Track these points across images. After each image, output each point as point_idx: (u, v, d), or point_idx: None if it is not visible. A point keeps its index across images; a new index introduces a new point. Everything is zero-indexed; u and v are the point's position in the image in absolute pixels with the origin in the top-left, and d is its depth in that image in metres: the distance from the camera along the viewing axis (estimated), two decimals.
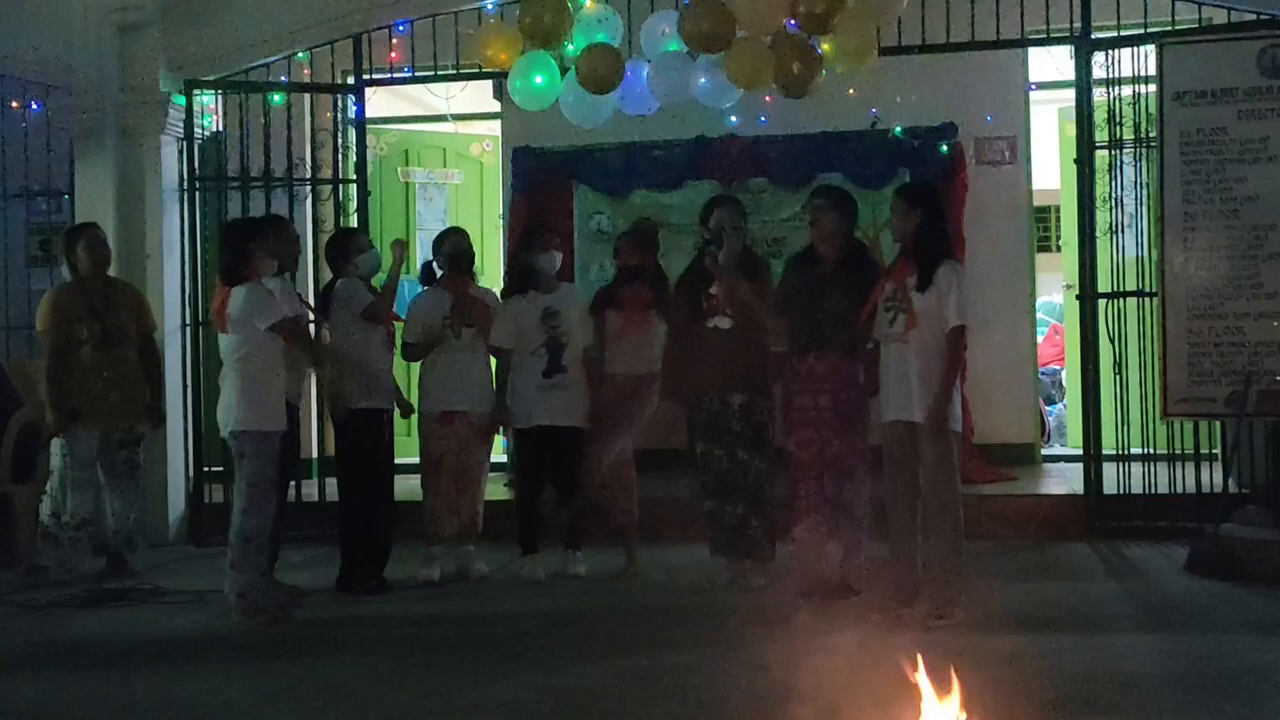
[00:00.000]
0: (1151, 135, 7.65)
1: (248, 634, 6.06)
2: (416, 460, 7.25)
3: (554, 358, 7.06)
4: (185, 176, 8.58)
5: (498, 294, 7.39)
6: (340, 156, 8.87)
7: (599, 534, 7.28)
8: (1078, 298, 8.20)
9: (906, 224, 5.93)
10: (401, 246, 6.99)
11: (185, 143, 8.57)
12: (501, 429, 7.41)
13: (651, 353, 6.99)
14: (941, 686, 3.32)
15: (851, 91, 7.98)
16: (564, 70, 7.27)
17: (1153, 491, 7.73)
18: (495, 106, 9.80)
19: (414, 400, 7.29)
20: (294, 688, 5.21)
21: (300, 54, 8.68)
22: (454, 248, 7.24)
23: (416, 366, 7.35)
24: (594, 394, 7.06)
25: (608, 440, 6.99)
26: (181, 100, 8.51)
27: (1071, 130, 8.39)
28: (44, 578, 7.22)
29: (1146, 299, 7.74)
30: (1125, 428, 7.87)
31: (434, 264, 7.30)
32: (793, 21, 6.94)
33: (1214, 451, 7.77)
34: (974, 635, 5.46)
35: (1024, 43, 8.35)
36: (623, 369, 7.03)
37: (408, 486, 7.39)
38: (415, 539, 7.12)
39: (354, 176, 8.87)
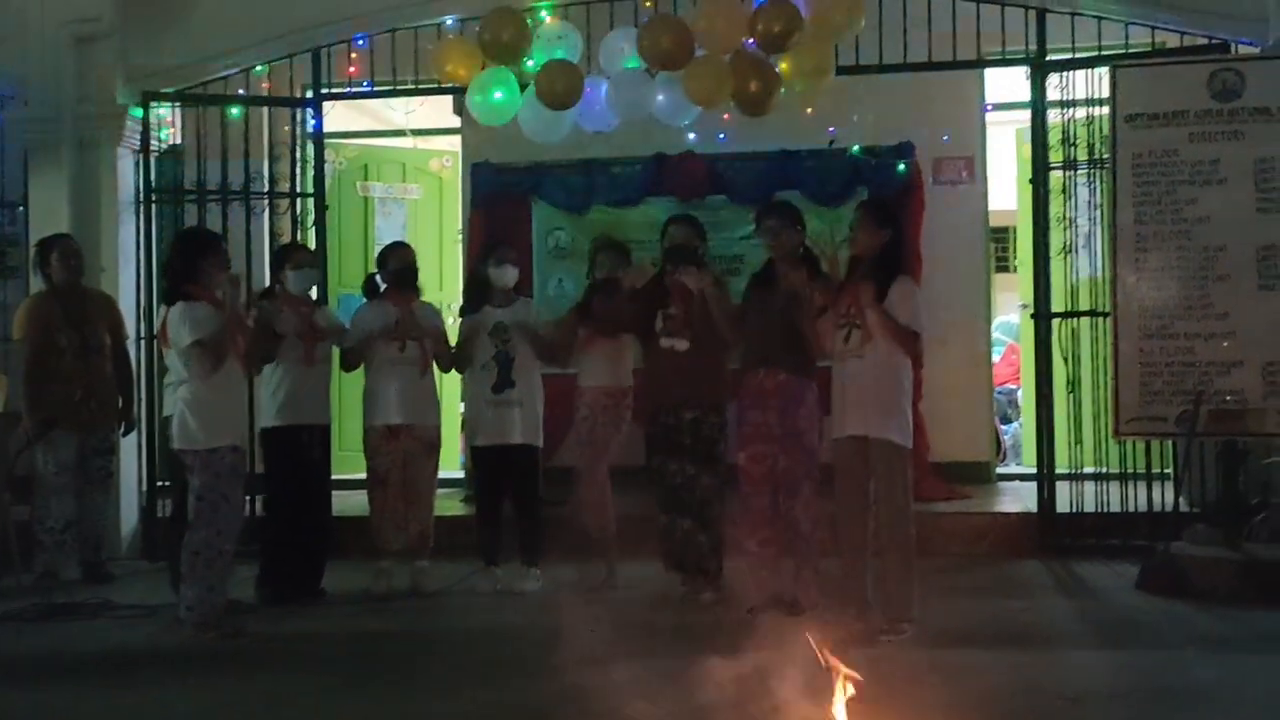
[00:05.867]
0: (1105, 156, 7.71)
1: (197, 648, 6.01)
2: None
3: (503, 371, 7.06)
4: (141, 189, 8.53)
5: (440, 312, 7.39)
6: (298, 170, 8.84)
7: (561, 548, 7.27)
8: (1033, 317, 8.25)
9: (874, 241, 5.96)
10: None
11: (142, 155, 8.52)
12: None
13: (623, 368, 6.98)
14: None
15: (809, 110, 8.00)
16: (523, 86, 7.28)
17: (1105, 510, 7.80)
18: (455, 122, 9.78)
19: (360, 416, 7.24)
20: (242, 701, 5.18)
21: (259, 67, 8.63)
22: (399, 263, 7.22)
23: (359, 385, 7.29)
24: (568, 406, 7.10)
25: (586, 458, 7.00)
26: (138, 113, 8.46)
27: (1028, 151, 8.45)
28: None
29: (1100, 319, 7.80)
30: (1079, 446, 7.92)
31: (377, 278, 7.29)
32: (751, 40, 6.99)
33: (1165, 470, 7.82)
34: (925, 650, 5.47)
35: (980, 64, 8.38)
36: (592, 382, 7.03)
37: (358, 501, 7.36)
38: (367, 554, 7.12)
39: (312, 191, 8.83)
